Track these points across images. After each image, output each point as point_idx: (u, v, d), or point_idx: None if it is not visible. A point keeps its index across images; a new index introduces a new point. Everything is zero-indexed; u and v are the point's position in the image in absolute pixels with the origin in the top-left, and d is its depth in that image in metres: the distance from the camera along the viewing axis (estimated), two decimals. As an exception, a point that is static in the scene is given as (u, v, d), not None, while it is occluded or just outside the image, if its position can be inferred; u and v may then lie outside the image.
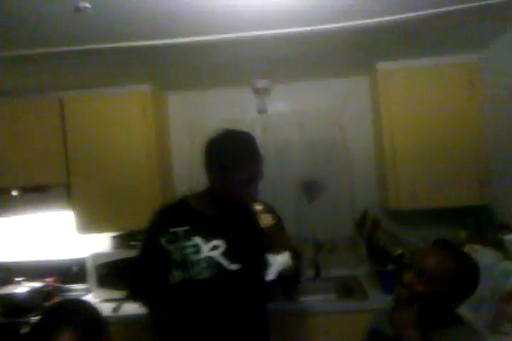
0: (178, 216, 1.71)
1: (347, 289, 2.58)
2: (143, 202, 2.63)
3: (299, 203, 2.84)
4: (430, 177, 2.51)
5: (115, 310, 2.46)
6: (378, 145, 2.77)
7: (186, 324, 1.66)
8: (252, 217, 1.71)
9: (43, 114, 2.71)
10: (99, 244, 2.90)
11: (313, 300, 2.54)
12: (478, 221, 2.48)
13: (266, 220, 1.65)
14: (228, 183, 1.60)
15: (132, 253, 2.55)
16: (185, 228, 1.67)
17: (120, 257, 2.62)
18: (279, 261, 1.60)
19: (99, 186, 2.67)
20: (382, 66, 2.58)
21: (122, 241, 2.80)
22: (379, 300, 2.30)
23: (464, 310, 1.45)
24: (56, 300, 2.63)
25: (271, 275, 1.58)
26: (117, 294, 2.58)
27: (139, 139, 2.67)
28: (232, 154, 1.59)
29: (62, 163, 2.69)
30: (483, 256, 1.73)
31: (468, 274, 1.37)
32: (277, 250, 1.63)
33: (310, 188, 2.82)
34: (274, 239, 1.66)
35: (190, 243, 1.64)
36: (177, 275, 1.64)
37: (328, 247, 2.80)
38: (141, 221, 2.55)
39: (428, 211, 2.65)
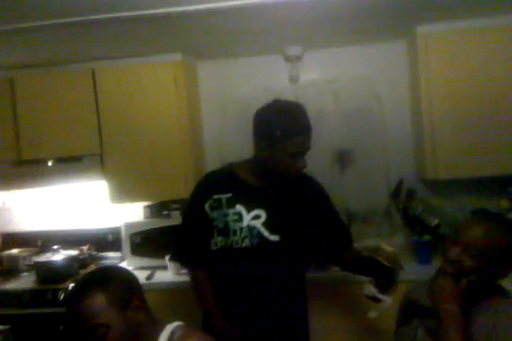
0: (222, 183, 1.71)
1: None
2: (175, 172, 2.63)
3: (332, 173, 2.78)
4: (470, 145, 2.41)
5: (148, 277, 2.50)
6: (416, 114, 2.66)
7: (226, 290, 1.68)
8: (296, 189, 1.70)
9: (75, 85, 2.70)
10: (133, 213, 2.95)
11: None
12: (520, 190, 2.39)
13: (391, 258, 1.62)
14: (277, 155, 1.58)
15: (165, 222, 2.64)
16: (229, 195, 1.67)
17: (152, 226, 2.66)
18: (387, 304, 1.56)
19: (132, 156, 2.68)
20: (422, 30, 2.45)
21: (154, 210, 2.83)
22: (414, 271, 2.26)
23: (507, 282, 1.40)
24: (92, 267, 2.71)
25: (373, 315, 1.56)
26: (150, 262, 2.64)
27: (171, 109, 2.65)
28: (283, 126, 1.56)
29: (96, 133, 2.70)
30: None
31: None
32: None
33: (344, 158, 2.75)
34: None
35: (232, 210, 1.65)
36: (219, 241, 1.66)
37: (362, 217, 2.76)
38: (173, 191, 2.64)
39: (466, 180, 2.56)
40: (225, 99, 2.87)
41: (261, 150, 1.62)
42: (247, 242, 1.63)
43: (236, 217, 1.65)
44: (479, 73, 2.39)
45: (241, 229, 1.63)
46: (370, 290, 1.56)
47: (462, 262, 1.28)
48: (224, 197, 1.67)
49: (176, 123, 2.65)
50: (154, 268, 2.60)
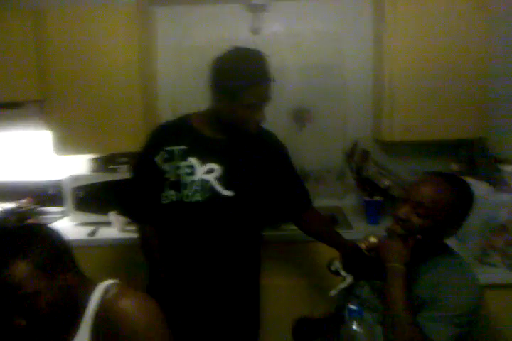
0: (175, 134, 1.61)
1: (332, 219, 2.54)
2: (124, 123, 2.46)
3: (289, 131, 2.72)
4: (426, 109, 2.39)
5: (91, 233, 2.39)
6: (376, 72, 2.61)
7: (176, 246, 1.61)
8: (254, 144, 1.62)
9: (17, 26, 2.44)
10: (77, 166, 2.79)
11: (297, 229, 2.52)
12: (471, 154, 2.42)
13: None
14: (235, 106, 1.48)
15: (111, 176, 2.51)
16: (182, 147, 1.58)
17: (98, 181, 2.52)
18: (344, 284, 1.48)
19: (78, 105, 2.48)
20: (390, -15, 2.34)
21: (101, 164, 2.68)
22: (363, 231, 2.28)
23: (452, 242, 1.41)
24: (31, 221, 2.55)
25: (333, 293, 1.49)
26: (93, 218, 2.52)
27: (121, 56, 2.45)
28: (242, 74, 1.46)
29: (36, 77, 2.47)
30: (475, 188, 1.66)
31: (465, 200, 1.30)
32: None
33: (301, 115, 2.69)
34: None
35: (185, 163, 1.56)
36: (170, 195, 1.58)
37: (316, 177, 2.74)
38: (122, 143, 2.47)
39: (420, 144, 2.57)
40: (182, 49, 2.70)
41: (218, 101, 1.53)
42: (198, 196, 1.55)
43: (188, 170, 1.56)
44: (442, 33, 2.34)
45: (192, 182, 1.55)
46: (335, 264, 1.54)
47: (410, 221, 1.27)
48: (177, 148, 1.58)
49: (127, 71, 2.46)
50: (98, 224, 2.49)
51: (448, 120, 2.38)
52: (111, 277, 2.10)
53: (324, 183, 2.74)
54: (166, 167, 1.58)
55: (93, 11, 2.44)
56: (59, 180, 2.68)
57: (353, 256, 1.48)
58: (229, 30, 2.70)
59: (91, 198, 2.52)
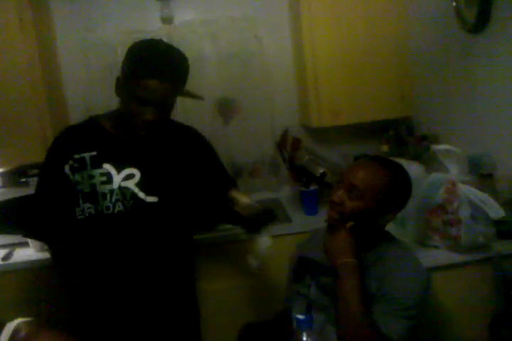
0: (84, 139, 1.43)
1: (271, 213, 2.46)
2: (29, 131, 2.19)
3: (214, 125, 2.58)
4: (352, 92, 2.36)
5: (5, 257, 2.13)
6: (298, 58, 2.54)
7: (99, 263, 1.44)
8: (171, 141, 1.48)
9: None
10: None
11: (234, 227, 2.41)
12: (398, 134, 2.43)
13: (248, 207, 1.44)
14: (125, 99, 1.35)
15: (24, 191, 2.22)
16: (93, 153, 1.40)
17: (8, 196, 2.24)
18: (261, 249, 1.43)
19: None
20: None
21: (10, 178, 2.41)
22: (302, 223, 2.22)
23: (391, 228, 1.38)
24: None
25: (257, 261, 1.42)
26: (6, 239, 2.25)
27: (16, 55, 2.17)
28: (134, 63, 1.32)
29: None
30: (408, 168, 1.64)
31: (401, 184, 1.28)
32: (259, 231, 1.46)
33: (225, 107, 2.56)
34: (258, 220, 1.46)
35: (99, 171, 1.39)
36: (86, 208, 1.40)
37: (249, 170, 2.64)
38: (29, 154, 2.18)
39: (349, 128, 2.54)
40: (87, 44, 2.46)
41: (116, 92, 1.38)
42: (120, 206, 1.40)
43: (104, 179, 1.40)
44: (361, 16, 2.30)
45: (111, 191, 1.39)
46: (248, 258, 1.48)
47: (345, 204, 1.23)
48: (87, 155, 1.41)
49: (25, 71, 2.18)
50: (13, 246, 2.23)
51: (373, 102, 2.36)
52: (31, 306, 1.91)
53: (258, 176, 2.65)
54: (78, 177, 1.40)
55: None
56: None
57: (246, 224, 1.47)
58: (138, 22, 2.49)
59: (2, 216, 2.25)
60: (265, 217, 1.47)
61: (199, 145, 1.60)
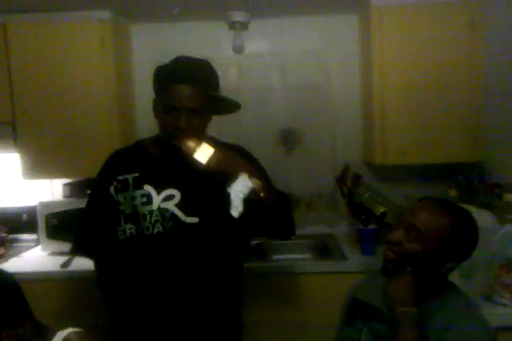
0: (129, 161, 1.46)
1: (324, 249, 2.40)
2: (99, 145, 2.31)
3: (275, 155, 2.58)
4: (420, 131, 2.28)
5: (64, 264, 2.20)
6: (366, 93, 2.50)
7: (139, 285, 1.42)
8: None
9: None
10: (53, 192, 2.63)
11: (287, 259, 2.37)
12: (469, 179, 2.30)
13: (204, 152, 1.29)
14: (158, 109, 1.38)
15: (85, 202, 2.32)
16: (136, 175, 1.42)
17: (72, 207, 2.34)
18: (238, 188, 1.26)
19: (49, 125, 2.34)
20: (376, 1, 2.26)
21: (75, 189, 2.51)
22: (358, 261, 2.14)
23: (456, 278, 1.28)
24: (1, 251, 2.40)
25: (236, 209, 1.25)
26: (68, 247, 2.31)
27: (96, 73, 2.31)
28: (161, 73, 1.38)
29: (7, 97, 2.32)
30: (478, 217, 1.53)
31: (464, 231, 1.19)
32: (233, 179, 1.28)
33: (288, 138, 2.56)
34: (225, 169, 1.30)
35: (140, 192, 1.40)
36: (127, 228, 1.41)
37: (306, 203, 2.59)
38: (97, 167, 2.27)
39: (415, 167, 2.46)
40: (161, 68, 2.56)
41: (155, 116, 1.43)
42: (159, 227, 1.39)
43: (145, 200, 1.40)
44: (431, 52, 2.25)
45: (151, 212, 1.39)
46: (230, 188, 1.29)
47: (402, 245, 1.17)
48: (130, 177, 1.43)
49: (102, 89, 2.32)
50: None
51: (443, 143, 2.27)
52: (83, 313, 1.94)
53: (315, 209, 2.61)
54: (120, 198, 1.42)
55: (63, 25, 2.31)
56: (33, 206, 2.50)
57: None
58: (210, 49, 2.58)
59: (65, 226, 2.34)
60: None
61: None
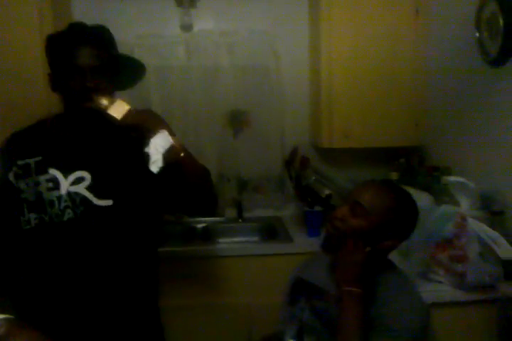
0: (29, 144, 1.34)
1: (271, 231, 2.42)
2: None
3: (223, 136, 2.55)
4: (365, 115, 2.33)
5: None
6: (314, 77, 2.51)
7: (46, 277, 1.30)
8: (123, 136, 1.30)
9: None
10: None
11: (234, 241, 2.38)
12: (409, 163, 2.38)
13: (118, 109, 1.22)
14: (60, 79, 1.30)
15: None
16: (38, 158, 1.31)
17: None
18: (157, 142, 1.20)
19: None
20: (326, -14, 2.25)
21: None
22: (304, 243, 2.18)
23: (394, 258, 1.33)
24: None
25: (155, 164, 1.19)
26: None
27: (34, 51, 2.14)
28: (55, 39, 1.33)
29: None
30: (417, 199, 1.59)
31: (406, 210, 1.25)
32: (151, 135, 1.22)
33: (237, 120, 2.53)
34: (144, 126, 1.22)
35: (45, 177, 1.29)
36: (32, 218, 1.28)
37: (253, 186, 2.59)
38: None
39: (359, 151, 2.51)
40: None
41: (53, 83, 1.34)
42: (70, 213, 1.27)
43: (51, 185, 1.28)
44: (377, 38, 2.29)
45: (59, 198, 1.27)
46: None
47: (346, 221, 1.20)
48: (32, 161, 1.30)
49: (40, 67, 2.18)
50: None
51: (386, 128, 2.34)
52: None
53: (263, 192, 2.61)
54: (22, 184, 1.29)
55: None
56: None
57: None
58: (157, 26, 2.49)
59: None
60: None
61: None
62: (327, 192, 2.25)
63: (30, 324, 1.18)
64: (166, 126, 1.25)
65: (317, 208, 2.27)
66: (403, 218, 1.24)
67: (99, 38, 1.34)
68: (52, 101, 2.15)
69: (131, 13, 2.48)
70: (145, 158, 1.21)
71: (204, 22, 2.50)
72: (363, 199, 1.21)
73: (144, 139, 1.21)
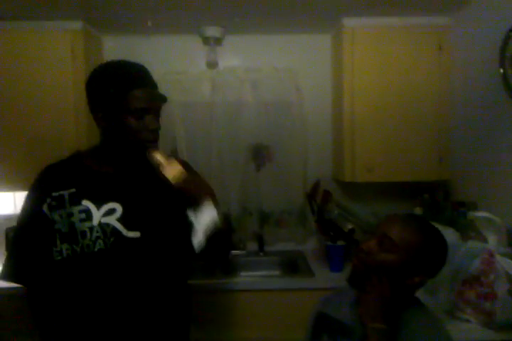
0: (63, 176, 1.37)
1: (292, 265, 2.39)
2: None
3: (246, 170, 2.57)
4: (389, 149, 2.34)
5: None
6: (337, 112, 2.54)
7: (77, 308, 1.33)
8: (154, 172, 1.35)
9: None
10: (13, 204, 2.52)
11: (255, 275, 2.36)
12: (434, 198, 2.35)
13: (173, 170, 1.26)
14: (119, 120, 1.29)
15: None
16: (72, 190, 1.34)
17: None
18: (204, 221, 1.23)
19: (14, 137, 2.27)
20: (349, 22, 2.33)
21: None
22: (326, 278, 2.14)
23: (420, 294, 1.28)
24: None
25: (199, 244, 1.23)
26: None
27: (66, 84, 2.27)
28: (116, 79, 1.29)
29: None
30: (443, 234, 1.55)
31: (435, 246, 1.21)
32: (199, 206, 1.25)
33: (259, 154, 2.56)
34: (192, 193, 1.26)
35: (78, 208, 1.32)
36: (64, 249, 1.31)
37: (275, 219, 2.58)
38: None
39: (382, 185, 2.50)
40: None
41: (100, 122, 1.33)
42: (101, 244, 1.30)
43: (83, 216, 1.31)
44: (400, 73, 2.33)
45: (91, 229, 1.31)
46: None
47: (374, 255, 1.17)
48: (66, 193, 1.33)
49: (72, 101, 2.28)
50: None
51: (410, 162, 2.33)
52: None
53: (284, 226, 2.60)
54: (55, 216, 1.32)
55: (33, 34, 2.27)
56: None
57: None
58: (184, 63, 2.59)
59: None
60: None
61: None
62: (350, 226, 2.23)
63: None
64: (212, 191, 1.31)
65: (340, 243, 2.24)
66: (432, 254, 1.20)
67: (152, 79, 1.36)
68: (81, 135, 2.29)
69: (159, 50, 2.59)
70: (188, 226, 1.28)
71: (229, 59, 2.59)
72: (391, 233, 1.17)
73: (190, 204, 1.26)
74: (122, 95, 1.27)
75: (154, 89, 1.34)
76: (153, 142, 1.33)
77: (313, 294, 1.87)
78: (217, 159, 2.54)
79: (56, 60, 2.28)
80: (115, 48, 2.60)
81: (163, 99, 1.36)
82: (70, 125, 2.29)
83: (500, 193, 1.93)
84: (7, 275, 1.37)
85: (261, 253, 2.54)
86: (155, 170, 1.29)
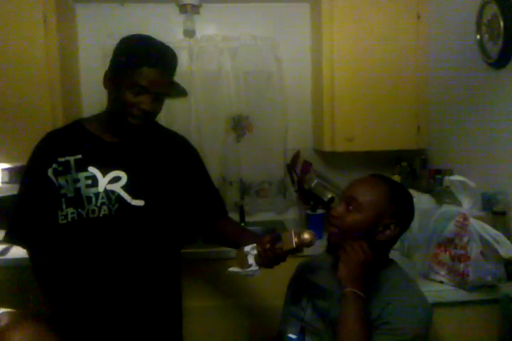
0: (69, 142, 1.39)
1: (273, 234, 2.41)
2: (41, 129, 2.17)
3: (226, 141, 2.56)
4: (368, 119, 2.35)
5: (2, 252, 2.10)
6: (316, 81, 2.53)
7: (79, 270, 1.38)
8: (161, 146, 1.44)
9: None
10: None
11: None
12: (412, 166, 2.38)
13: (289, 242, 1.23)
14: (119, 92, 1.31)
15: None
16: (78, 156, 1.37)
17: (12, 193, 2.19)
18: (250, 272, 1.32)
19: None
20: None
21: (15, 175, 2.39)
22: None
23: (396, 258, 1.33)
24: None
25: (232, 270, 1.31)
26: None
27: (38, 54, 2.19)
28: (130, 52, 1.32)
29: None
30: (419, 200, 1.59)
31: (399, 197, 1.24)
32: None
33: (239, 124, 2.55)
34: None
35: (84, 174, 1.35)
36: (69, 213, 1.35)
37: (256, 190, 2.60)
38: None
39: (361, 155, 2.53)
40: (107, 50, 2.46)
41: (106, 82, 1.35)
42: (105, 210, 1.35)
43: (89, 182, 1.35)
44: (379, 42, 2.32)
45: (97, 195, 1.35)
46: (248, 250, 1.31)
47: (344, 218, 1.20)
48: (72, 159, 1.37)
49: (43, 67, 2.20)
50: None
51: (388, 131, 2.35)
52: (22, 302, 1.87)
53: (265, 196, 2.62)
54: (61, 181, 1.36)
55: (3, 1, 2.17)
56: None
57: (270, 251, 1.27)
58: (160, 33, 2.45)
59: (3, 213, 2.21)
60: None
61: (187, 153, 1.55)
62: (329, 195, 2.25)
63: (65, 317, 1.36)
64: None
65: (319, 211, 2.27)
66: (398, 206, 1.23)
67: (172, 63, 1.37)
68: (56, 105, 2.24)
69: (135, 18, 2.52)
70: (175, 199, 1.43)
71: (207, 28, 2.54)
72: (355, 194, 1.21)
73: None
74: (131, 67, 1.29)
75: (167, 76, 1.34)
76: (137, 119, 1.33)
77: (293, 261, 1.91)
78: (196, 129, 2.52)
79: (28, 28, 2.19)
80: (89, 16, 2.52)
81: (177, 89, 1.38)
82: (44, 96, 2.22)
83: (476, 160, 1.97)
84: (11, 237, 1.42)
85: (242, 224, 2.56)
86: (160, 143, 1.40)
